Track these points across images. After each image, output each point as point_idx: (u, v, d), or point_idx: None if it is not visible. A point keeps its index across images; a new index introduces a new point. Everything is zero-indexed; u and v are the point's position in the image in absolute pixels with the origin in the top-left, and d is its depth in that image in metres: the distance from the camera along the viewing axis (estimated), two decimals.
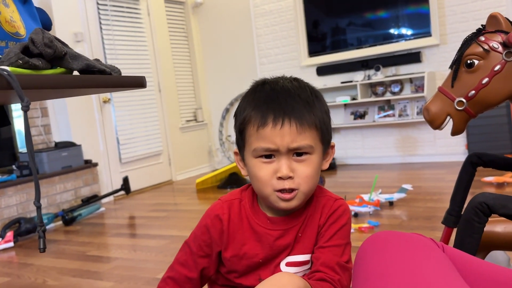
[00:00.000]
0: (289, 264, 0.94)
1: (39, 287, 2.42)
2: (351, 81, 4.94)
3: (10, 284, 2.51)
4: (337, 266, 0.90)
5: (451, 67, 1.30)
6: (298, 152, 0.88)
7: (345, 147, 5.23)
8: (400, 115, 4.82)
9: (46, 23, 1.00)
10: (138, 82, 0.89)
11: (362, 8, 4.98)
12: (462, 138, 4.55)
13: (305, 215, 0.95)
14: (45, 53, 0.77)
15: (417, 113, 4.73)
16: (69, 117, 4.29)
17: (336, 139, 5.26)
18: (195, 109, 5.95)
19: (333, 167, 5.05)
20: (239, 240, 0.95)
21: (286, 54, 5.40)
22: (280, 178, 0.87)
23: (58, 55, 0.80)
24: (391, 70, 4.83)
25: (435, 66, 4.64)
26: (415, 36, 4.69)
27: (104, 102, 4.65)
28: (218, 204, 0.98)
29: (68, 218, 3.75)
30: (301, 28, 5.19)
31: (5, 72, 0.65)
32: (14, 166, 3.82)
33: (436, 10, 4.48)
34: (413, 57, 4.69)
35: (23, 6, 0.91)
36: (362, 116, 5.03)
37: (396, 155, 4.98)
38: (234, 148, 0.97)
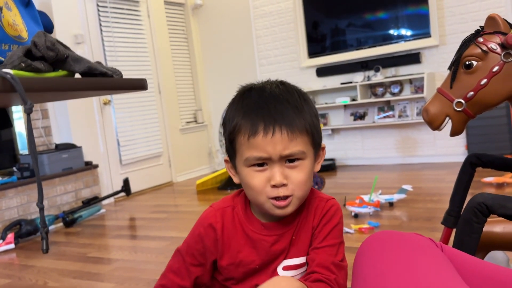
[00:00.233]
0: (286, 268, 0.95)
1: None
2: (350, 82, 4.94)
3: (11, 286, 2.51)
4: (332, 265, 0.90)
5: (449, 68, 1.30)
6: (290, 159, 0.87)
7: (345, 148, 5.24)
8: (400, 116, 4.83)
9: (47, 26, 1.01)
10: (139, 85, 0.90)
11: (361, 9, 4.99)
12: (461, 139, 4.55)
13: (299, 218, 0.95)
14: (47, 56, 0.77)
15: (417, 114, 4.73)
16: (69, 119, 4.30)
17: (336, 140, 5.27)
18: (195, 111, 5.96)
19: (333, 168, 5.06)
20: (234, 247, 0.94)
21: (286, 55, 5.41)
22: (274, 186, 0.86)
23: (60, 58, 0.81)
24: (391, 71, 4.84)
25: (435, 67, 4.65)
26: (415, 37, 4.70)
27: (105, 103, 4.66)
28: (211, 212, 0.97)
29: (69, 219, 3.75)
30: (300, 29, 5.20)
31: (8, 75, 0.66)
32: (14, 168, 3.82)
33: (436, 11, 4.49)
34: (413, 58, 4.70)
35: (25, 10, 0.91)
36: (362, 117, 5.04)
37: (396, 156, 4.98)
38: (225, 156, 0.97)
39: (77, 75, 0.88)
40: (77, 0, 4.44)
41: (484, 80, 1.23)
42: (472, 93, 1.25)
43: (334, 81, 5.14)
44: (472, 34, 1.27)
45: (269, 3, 5.44)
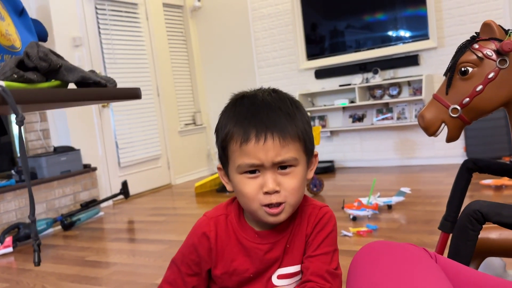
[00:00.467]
0: (280, 277, 0.94)
1: None
2: (349, 84, 4.95)
3: None
4: (326, 274, 0.90)
5: (445, 74, 1.30)
6: (282, 166, 0.87)
7: (343, 150, 5.24)
8: (398, 118, 4.83)
9: (41, 34, 1.00)
10: (133, 94, 0.90)
11: (360, 10, 4.99)
12: (460, 141, 4.56)
13: (292, 226, 0.95)
14: (40, 67, 0.77)
15: (415, 116, 4.73)
16: (68, 122, 4.30)
17: (334, 142, 5.27)
18: (194, 113, 5.95)
19: (331, 170, 5.06)
20: (228, 256, 0.94)
21: (284, 57, 5.41)
22: (266, 193, 0.86)
23: (53, 68, 0.80)
24: (389, 73, 4.84)
25: (433, 69, 4.65)
26: (413, 39, 4.70)
27: (103, 106, 4.66)
28: (204, 221, 0.97)
29: (67, 223, 3.75)
30: (299, 31, 5.20)
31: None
32: (13, 171, 3.82)
33: (434, 13, 4.50)
34: (411, 60, 4.70)
35: (18, 19, 0.91)
36: (360, 119, 5.04)
37: (394, 158, 4.98)
38: (218, 164, 0.97)
39: (71, 85, 0.87)
40: (75, 3, 4.44)
41: (480, 87, 1.23)
42: (467, 99, 1.25)
43: (332, 83, 5.14)
44: (467, 41, 1.27)
45: (267, 5, 5.44)
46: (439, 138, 4.63)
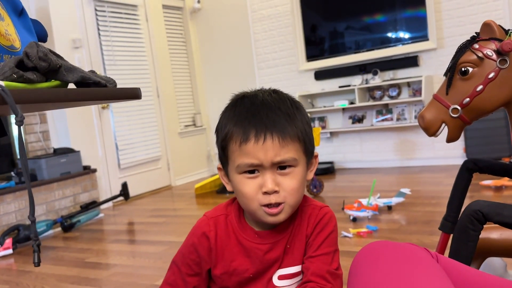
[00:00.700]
0: (281, 277, 0.94)
1: None
2: (349, 85, 4.95)
3: None
4: (327, 274, 0.90)
5: (445, 74, 1.30)
6: (282, 166, 0.87)
7: (343, 151, 5.24)
8: (398, 119, 4.83)
9: (41, 34, 1.00)
10: (133, 94, 0.89)
11: (359, 12, 5.00)
12: (460, 142, 4.55)
13: (292, 226, 0.95)
14: (39, 67, 0.77)
15: (415, 117, 4.73)
16: (67, 123, 4.30)
17: (334, 143, 5.27)
18: (194, 114, 5.95)
19: (331, 171, 5.06)
20: (228, 256, 0.94)
21: (284, 58, 5.41)
22: (265, 193, 0.86)
23: (53, 68, 0.80)
24: (389, 74, 4.84)
25: (433, 70, 4.65)
26: (413, 40, 4.71)
27: (103, 108, 4.66)
28: (204, 221, 0.97)
29: (67, 224, 3.75)
30: (298, 32, 5.21)
31: None
32: (12, 173, 3.82)
33: (433, 14, 4.50)
34: (411, 61, 4.70)
35: (18, 19, 0.91)
36: (360, 120, 5.04)
37: (394, 159, 4.98)
38: (218, 164, 0.97)
39: (71, 85, 0.87)
40: (75, 4, 4.44)
41: (480, 87, 1.23)
42: (468, 99, 1.25)
43: (332, 84, 5.15)
44: (467, 41, 1.27)
45: (267, 7, 5.44)
46: (439, 139, 4.63)
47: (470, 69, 1.24)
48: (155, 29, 5.33)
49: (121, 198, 4.62)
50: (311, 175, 0.94)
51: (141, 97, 0.92)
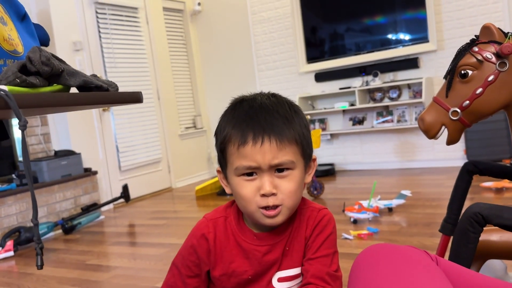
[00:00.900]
0: (281, 280, 0.95)
1: None
2: (349, 87, 4.95)
3: None
4: (327, 276, 0.90)
5: (445, 77, 1.31)
6: (279, 168, 0.88)
7: (344, 153, 5.24)
8: (398, 121, 4.83)
9: (43, 39, 1.01)
10: (135, 98, 0.90)
11: (359, 13, 5.00)
12: (460, 144, 4.56)
13: (291, 228, 0.96)
14: (42, 71, 0.78)
15: (416, 119, 4.74)
16: (68, 126, 4.30)
17: (335, 145, 5.27)
18: (194, 116, 5.96)
19: (332, 173, 5.06)
20: (227, 258, 0.95)
21: (284, 60, 5.42)
22: (263, 195, 0.87)
23: (56, 72, 0.81)
24: (389, 76, 4.85)
25: (433, 72, 4.66)
26: (413, 42, 4.71)
27: (104, 110, 4.66)
28: (203, 223, 0.98)
29: (68, 226, 3.75)
30: (299, 34, 5.21)
31: (2, 92, 0.66)
32: (14, 175, 3.82)
33: (433, 16, 4.51)
34: (411, 63, 4.71)
35: (20, 24, 0.92)
36: (360, 122, 5.05)
37: (395, 160, 4.98)
38: (217, 166, 0.98)
39: (73, 89, 0.88)
40: (76, 7, 4.45)
41: (480, 89, 1.23)
42: (467, 102, 1.25)
43: (332, 86, 5.15)
44: (467, 44, 1.28)
45: (267, 9, 5.45)
46: (439, 141, 4.62)
47: (470, 72, 1.24)
48: (156, 32, 5.34)
49: (121, 200, 4.62)
50: (309, 178, 0.95)
51: (142, 101, 0.93)
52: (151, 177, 5.17)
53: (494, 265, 1.49)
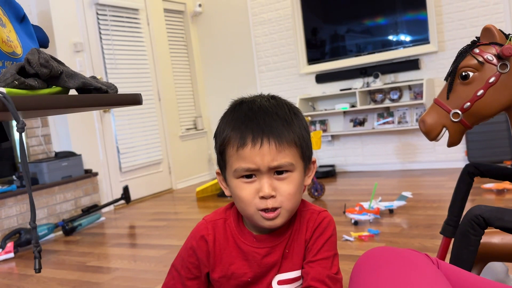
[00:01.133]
0: (281, 282, 0.94)
1: None
2: (350, 89, 4.95)
3: None
4: (327, 279, 0.90)
5: (446, 79, 1.31)
6: (279, 171, 0.88)
7: (344, 154, 5.24)
8: (399, 122, 4.82)
9: (43, 40, 1.01)
10: (134, 100, 0.90)
11: (360, 15, 5.00)
12: (461, 145, 4.55)
13: (291, 231, 0.95)
14: (41, 73, 0.77)
15: (416, 120, 4.73)
16: (69, 127, 4.30)
17: (335, 147, 5.27)
18: (195, 117, 5.96)
19: (332, 174, 5.05)
20: (226, 260, 0.94)
21: (285, 62, 5.42)
22: (262, 197, 0.87)
23: (54, 74, 0.80)
24: (390, 77, 4.85)
25: (434, 73, 4.65)
26: (414, 43, 4.71)
27: (104, 112, 4.66)
28: (203, 224, 0.98)
29: (68, 228, 3.75)
30: (299, 36, 5.21)
31: (0, 94, 0.66)
32: (14, 177, 3.82)
33: (434, 17, 4.50)
34: (412, 64, 4.70)
35: (19, 25, 0.91)
36: (361, 123, 5.04)
37: (395, 162, 4.98)
38: (216, 168, 0.98)
39: (72, 91, 0.88)
40: (76, 8, 4.45)
41: (481, 91, 1.23)
42: (468, 104, 1.25)
43: (333, 87, 5.15)
44: (468, 45, 1.27)
45: (268, 10, 5.45)
46: (440, 142, 4.63)
47: (471, 74, 1.24)
48: (157, 33, 5.34)
49: (122, 201, 4.62)
50: (308, 180, 0.95)
51: (142, 103, 0.93)
52: (152, 178, 5.17)
53: (495, 267, 1.49)
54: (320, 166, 5.16)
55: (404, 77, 4.80)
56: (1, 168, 4.06)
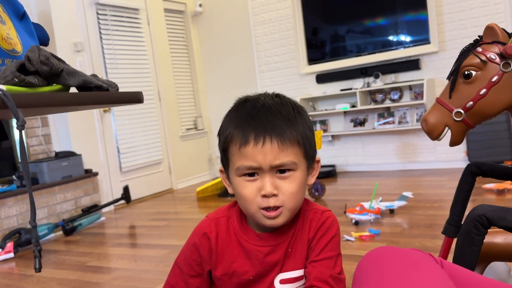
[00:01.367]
0: (283, 282, 0.94)
1: None
2: (350, 89, 4.94)
3: None
4: (330, 278, 0.89)
5: (448, 78, 1.30)
6: (281, 169, 0.87)
7: (345, 154, 5.23)
8: (399, 122, 4.82)
9: (43, 38, 1.00)
10: (135, 98, 0.89)
11: (360, 15, 5.00)
12: (462, 145, 4.54)
13: (294, 230, 0.95)
14: (41, 71, 0.77)
15: (417, 120, 4.73)
16: (69, 127, 4.30)
17: (336, 147, 5.26)
18: (195, 117, 5.95)
19: (333, 174, 5.05)
20: (228, 258, 0.94)
21: (286, 62, 5.41)
22: (264, 196, 0.87)
23: (55, 72, 0.80)
24: (390, 78, 4.84)
25: (434, 73, 4.65)
26: (414, 43, 4.70)
27: (104, 111, 4.66)
28: (206, 222, 0.98)
29: (69, 228, 3.74)
30: (300, 36, 5.21)
31: (0, 92, 0.65)
32: (14, 176, 3.82)
33: (435, 17, 4.50)
34: (412, 64, 4.70)
35: (19, 23, 0.91)
36: (362, 123, 5.04)
37: (396, 162, 4.97)
38: (220, 166, 0.97)
39: (73, 89, 0.87)
40: (76, 8, 4.45)
41: (483, 90, 1.22)
42: (471, 103, 1.24)
43: (334, 87, 5.14)
44: (470, 44, 1.26)
45: (268, 10, 5.45)
46: (441, 142, 4.62)
47: (474, 73, 1.23)
48: (157, 33, 5.33)
49: (122, 201, 4.61)
50: (312, 179, 0.94)
51: (143, 101, 0.92)
52: (152, 178, 5.16)
53: (497, 267, 1.48)
54: (321, 166, 5.14)
55: (405, 77, 4.80)
56: (1, 168, 4.06)
